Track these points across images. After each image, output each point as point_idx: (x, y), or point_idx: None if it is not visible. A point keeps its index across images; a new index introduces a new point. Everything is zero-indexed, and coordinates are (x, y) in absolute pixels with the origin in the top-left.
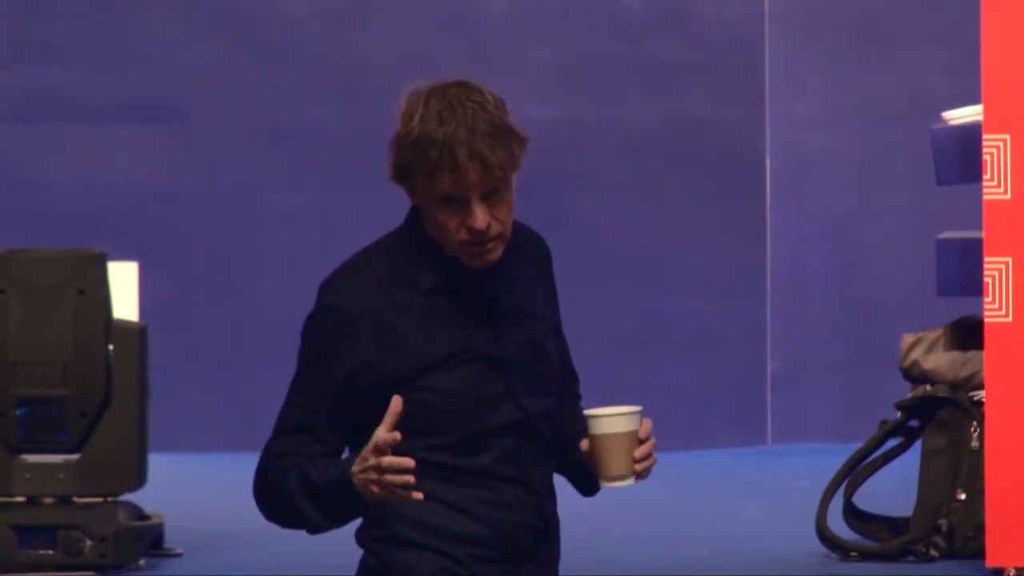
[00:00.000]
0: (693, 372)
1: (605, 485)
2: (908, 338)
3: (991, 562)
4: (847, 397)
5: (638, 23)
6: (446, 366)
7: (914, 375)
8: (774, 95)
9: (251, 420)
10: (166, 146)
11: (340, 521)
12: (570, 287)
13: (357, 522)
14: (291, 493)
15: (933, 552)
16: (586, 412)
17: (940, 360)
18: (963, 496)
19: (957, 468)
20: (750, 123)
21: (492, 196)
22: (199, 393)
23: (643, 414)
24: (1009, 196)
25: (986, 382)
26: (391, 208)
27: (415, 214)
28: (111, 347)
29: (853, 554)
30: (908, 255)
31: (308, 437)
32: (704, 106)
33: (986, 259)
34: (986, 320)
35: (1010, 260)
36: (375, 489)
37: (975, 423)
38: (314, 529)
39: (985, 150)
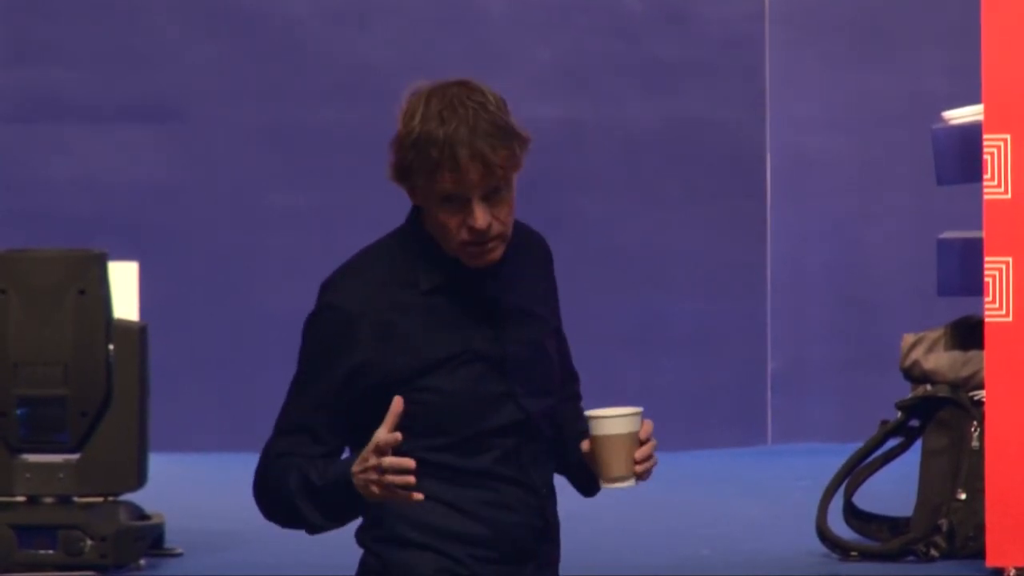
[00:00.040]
0: (693, 372)
1: (605, 486)
2: (908, 338)
3: (991, 562)
4: (847, 397)
5: (638, 23)
6: (447, 366)
7: (915, 375)
8: (774, 95)
9: (251, 420)
10: (166, 146)
11: (340, 521)
12: (570, 287)
13: (357, 522)
14: (291, 493)
15: (933, 552)
16: (587, 413)
17: (940, 360)
18: (963, 496)
19: (957, 468)
20: (750, 123)
21: (493, 196)
22: (199, 393)
23: (643, 414)
24: (1009, 196)
25: (986, 382)
26: (391, 208)
27: (416, 214)
28: (111, 347)
29: (853, 554)
30: (908, 255)
31: (308, 437)
32: (704, 106)
33: (986, 259)
34: (986, 320)
35: (1010, 260)
36: (375, 490)
37: (975, 423)
38: (314, 529)
39: (985, 150)
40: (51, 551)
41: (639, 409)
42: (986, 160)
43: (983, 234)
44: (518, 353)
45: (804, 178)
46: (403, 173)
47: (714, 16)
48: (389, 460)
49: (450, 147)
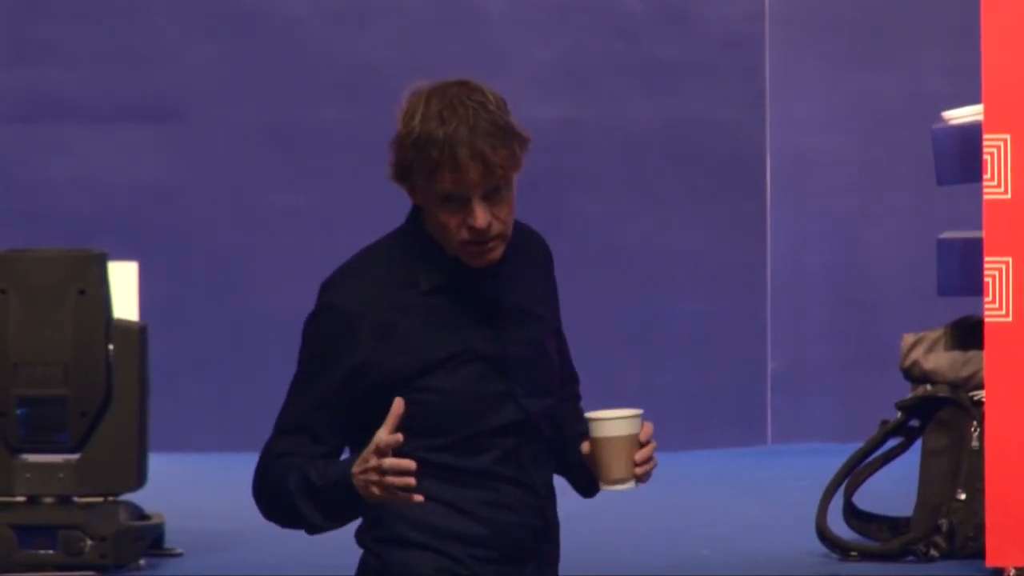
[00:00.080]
0: (693, 372)
1: (605, 488)
2: (908, 338)
3: (991, 562)
4: (847, 397)
5: (638, 23)
6: (447, 366)
7: (914, 375)
8: (774, 95)
9: (251, 420)
10: (166, 146)
11: (339, 522)
12: (570, 287)
13: (357, 522)
14: (291, 493)
15: (933, 552)
16: (587, 415)
17: (940, 360)
18: (963, 496)
19: (957, 468)
20: (750, 123)
21: (493, 196)
22: (199, 393)
23: (643, 415)
24: (1009, 196)
25: (986, 382)
26: (391, 208)
27: (416, 214)
28: (111, 347)
29: (853, 554)
30: (908, 255)
31: (308, 437)
32: (704, 106)
33: (986, 259)
34: (986, 320)
35: (1010, 260)
36: (375, 491)
37: (975, 423)
38: (313, 529)
39: (985, 150)
40: (51, 551)
41: (639, 411)
42: (986, 160)
43: (983, 234)
44: (518, 353)
45: (804, 178)
46: (403, 173)
47: (714, 16)
48: (390, 461)
49: (450, 147)
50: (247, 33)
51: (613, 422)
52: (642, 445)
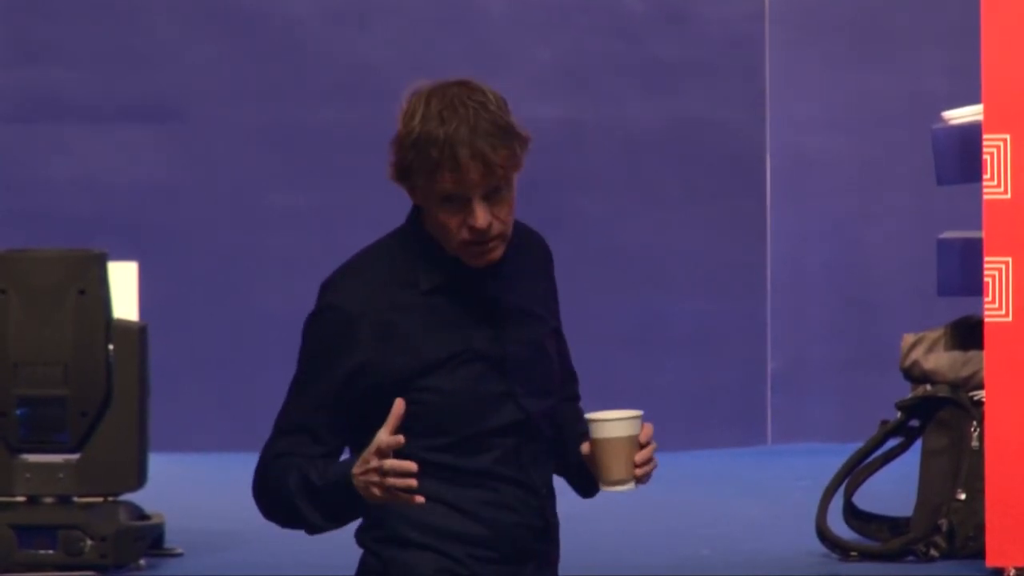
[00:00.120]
0: (693, 372)
1: (605, 489)
2: (908, 338)
3: (991, 562)
4: (847, 397)
5: (638, 23)
6: (447, 366)
7: (915, 375)
8: (774, 95)
9: (251, 420)
10: (166, 146)
11: (339, 522)
12: (570, 287)
13: (357, 522)
14: (291, 493)
15: (933, 552)
16: (587, 416)
17: (940, 360)
18: (963, 496)
19: (957, 468)
20: (750, 123)
21: (493, 195)
22: (199, 393)
23: (643, 415)
24: (1009, 196)
25: (986, 382)
26: (391, 208)
27: (416, 214)
28: (111, 347)
29: (853, 554)
30: (908, 255)
31: (308, 437)
32: (704, 106)
33: (986, 259)
34: (986, 320)
35: (1010, 260)
36: (376, 492)
37: (975, 423)
38: (313, 529)
39: (985, 150)
40: (51, 551)
41: (639, 412)
42: (986, 160)
43: (983, 234)
44: (518, 353)
45: (804, 178)
46: (403, 173)
47: (714, 16)
48: (391, 462)
49: (450, 147)
50: (247, 33)
51: (613, 423)
52: (642, 446)
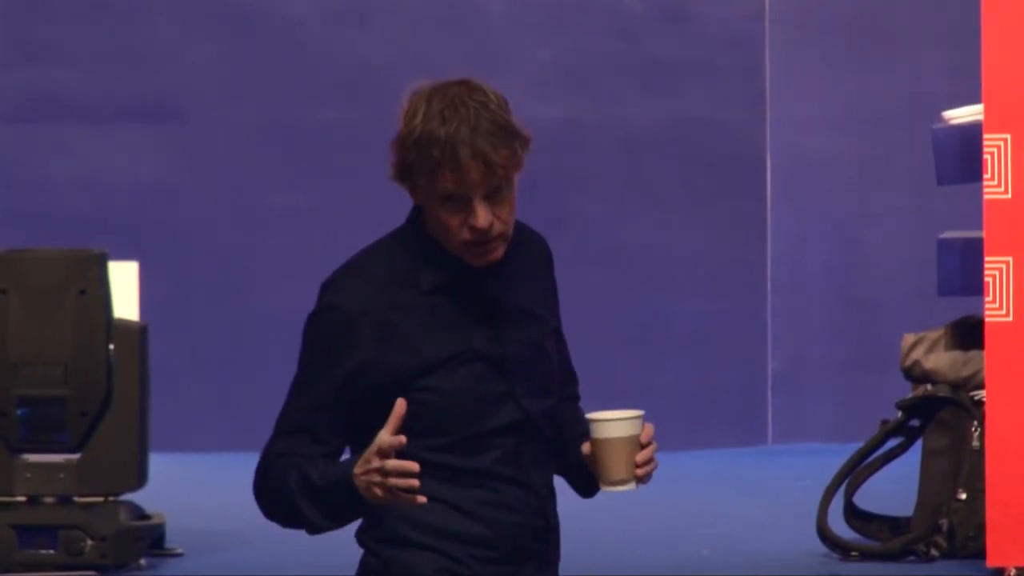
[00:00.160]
0: (693, 372)
1: (606, 489)
2: (909, 338)
3: (992, 562)
4: (847, 397)
5: (638, 23)
6: (447, 366)
7: (915, 375)
8: (774, 95)
9: (251, 420)
10: (166, 146)
11: (340, 522)
12: (570, 287)
13: (357, 522)
14: (291, 493)
15: (934, 552)
16: (588, 416)
17: (941, 360)
18: (964, 496)
19: (958, 468)
20: (750, 123)
21: (494, 195)
22: (199, 393)
23: (644, 415)
24: (1010, 196)
25: (987, 382)
26: (392, 208)
27: (416, 214)
28: (112, 347)
29: (854, 554)
30: (908, 255)
31: (308, 437)
32: (704, 106)
33: (987, 259)
34: (987, 320)
35: (1011, 260)
36: (378, 492)
37: (976, 423)
38: (314, 529)
39: (986, 150)
40: (52, 551)
41: (640, 412)
42: (986, 160)
43: (983, 234)
44: (518, 353)
45: (804, 178)
46: (404, 173)
47: (714, 16)
48: (392, 463)
49: (452, 146)
50: (247, 33)
51: (614, 423)
52: (643, 446)
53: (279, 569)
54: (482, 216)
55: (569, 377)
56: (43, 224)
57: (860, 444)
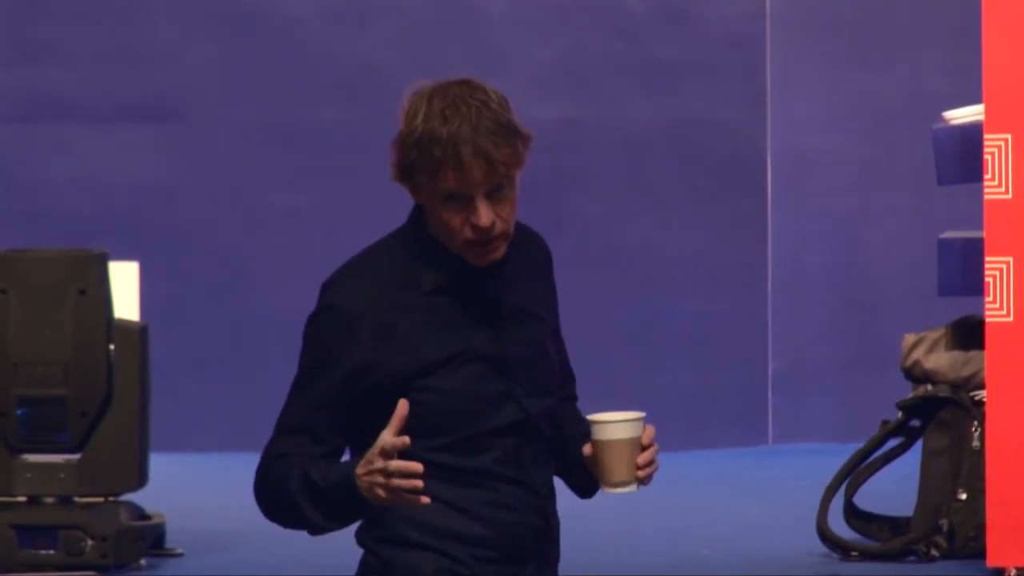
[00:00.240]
0: (693, 372)
1: (607, 491)
2: (909, 338)
3: (992, 562)
4: (847, 397)
5: (638, 23)
6: (447, 366)
7: (915, 375)
8: (774, 95)
9: (251, 420)
10: (166, 146)
11: (341, 522)
12: (570, 287)
13: (357, 522)
14: (292, 493)
15: (934, 552)
16: (589, 417)
17: (941, 360)
18: (964, 496)
19: (958, 468)
20: (750, 123)
21: (496, 194)
22: (199, 393)
23: (644, 416)
24: (1010, 196)
25: (987, 382)
26: (392, 208)
27: (417, 213)
28: (112, 347)
29: (854, 554)
30: (908, 255)
31: (309, 438)
32: (704, 106)
33: (987, 259)
34: (987, 320)
35: (1011, 260)
36: (381, 493)
37: (976, 423)
38: (315, 530)
39: (986, 150)
40: (52, 551)
41: (642, 414)
42: (986, 160)
43: (984, 234)
44: (518, 353)
45: (804, 178)
46: (406, 172)
47: (714, 16)
48: (396, 463)
49: (453, 145)
50: (247, 33)
51: (616, 425)
52: (644, 448)
53: (279, 569)
54: (484, 215)
55: (567, 378)
56: (43, 224)
57: (860, 444)
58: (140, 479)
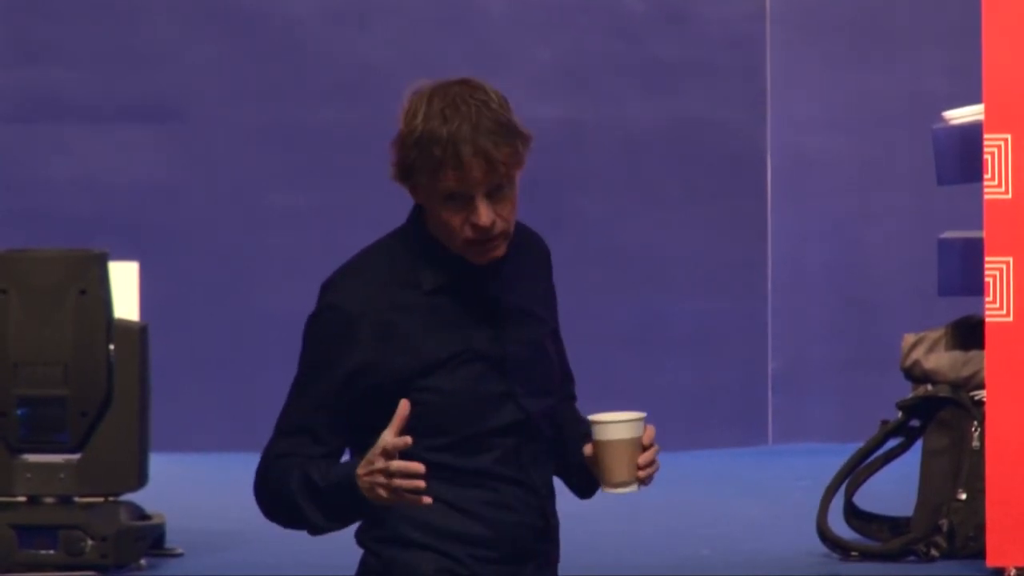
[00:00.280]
0: (693, 372)
1: (608, 491)
2: (909, 338)
3: (992, 562)
4: (847, 397)
5: (638, 23)
6: (447, 366)
7: (915, 375)
8: (774, 95)
9: (251, 420)
10: (166, 146)
11: (342, 523)
12: (570, 287)
13: (357, 522)
14: (292, 493)
15: (934, 552)
16: (590, 417)
17: (941, 360)
18: (964, 496)
19: (958, 468)
20: (750, 123)
21: (496, 193)
22: (199, 393)
23: (645, 417)
24: (1010, 196)
25: (987, 382)
26: (392, 208)
27: (417, 213)
28: (112, 347)
29: (854, 554)
30: (908, 255)
31: (309, 438)
32: (704, 106)
33: (987, 259)
34: (987, 320)
35: (1011, 260)
36: (382, 493)
37: (976, 423)
38: (315, 530)
39: (986, 150)
40: (52, 551)
41: (642, 414)
42: (986, 160)
43: (983, 234)
44: (518, 353)
45: (804, 178)
46: (406, 172)
47: (714, 16)
48: (397, 464)
49: (453, 145)
50: (247, 33)
51: (616, 425)
52: (645, 448)
53: (279, 569)
54: (484, 214)
55: (566, 378)
56: (43, 224)
57: (860, 444)
58: (140, 479)
